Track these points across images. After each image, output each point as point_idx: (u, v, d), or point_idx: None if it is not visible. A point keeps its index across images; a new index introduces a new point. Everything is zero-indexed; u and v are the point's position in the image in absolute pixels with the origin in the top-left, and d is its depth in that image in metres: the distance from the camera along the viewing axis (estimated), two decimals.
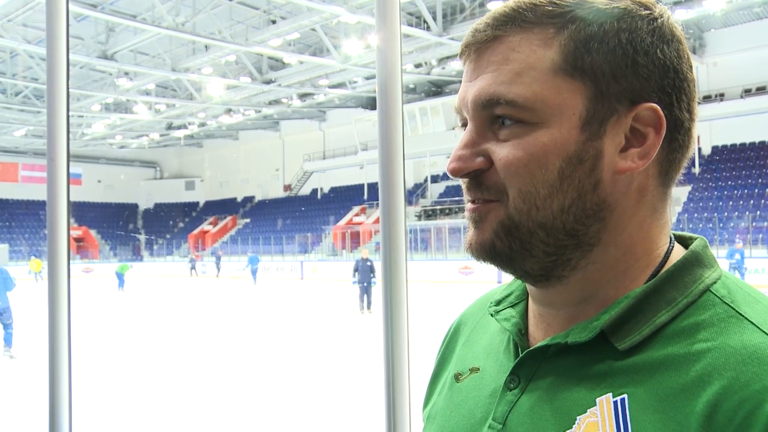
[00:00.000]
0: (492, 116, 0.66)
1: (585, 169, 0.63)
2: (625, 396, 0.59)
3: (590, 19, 0.63)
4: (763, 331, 0.57)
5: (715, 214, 26.98)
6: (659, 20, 0.64)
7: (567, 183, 0.63)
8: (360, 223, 38.91)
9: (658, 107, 0.63)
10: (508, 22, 0.65)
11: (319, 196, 47.02)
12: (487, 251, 0.67)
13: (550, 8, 0.64)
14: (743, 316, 0.59)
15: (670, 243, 0.68)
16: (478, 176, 0.67)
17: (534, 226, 0.65)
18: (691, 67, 0.66)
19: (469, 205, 0.69)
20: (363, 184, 41.87)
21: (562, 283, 0.67)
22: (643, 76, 0.63)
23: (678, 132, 0.65)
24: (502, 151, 0.65)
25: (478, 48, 0.67)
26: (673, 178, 0.67)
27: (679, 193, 29.79)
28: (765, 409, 0.52)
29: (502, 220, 0.66)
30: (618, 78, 0.63)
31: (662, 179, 0.66)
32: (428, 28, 25.29)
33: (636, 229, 0.65)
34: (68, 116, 0.77)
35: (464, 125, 0.70)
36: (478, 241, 0.67)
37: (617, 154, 0.64)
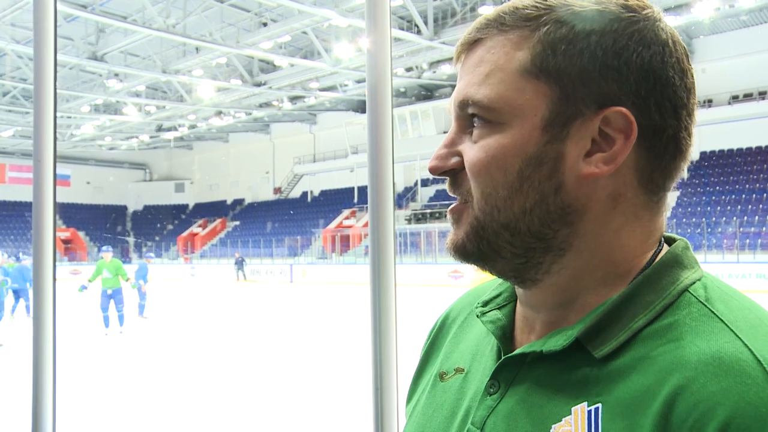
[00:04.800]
0: (468, 116, 0.67)
1: (545, 171, 0.63)
2: (600, 405, 0.58)
3: (562, 21, 0.63)
4: (731, 330, 0.56)
5: (704, 219, 27.14)
6: (642, 23, 0.63)
7: (527, 185, 0.63)
8: (350, 227, 38.85)
9: (628, 111, 0.61)
10: (490, 26, 0.67)
11: (309, 199, 46.93)
12: (460, 251, 0.68)
13: (528, 11, 0.65)
14: (715, 313, 0.58)
15: (659, 246, 0.67)
16: (455, 176, 0.68)
17: (498, 227, 0.65)
18: (682, 72, 0.63)
19: (450, 206, 0.70)
20: (353, 188, 41.82)
21: (537, 286, 0.67)
22: (613, 79, 0.61)
23: (658, 138, 0.63)
24: (470, 152, 0.66)
25: (463, 50, 0.69)
26: (660, 185, 0.65)
27: (668, 198, 29.87)
28: (718, 414, 0.51)
29: (471, 221, 0.67)
30: (585, 81, 0.62)
31: (644, 187, 0.65)
32: (419, 32, 25.33)
33: (613, 237, 0.64)
34: (55, 117, 0.76)
35: None
36: (452, 240, 0.69)
37: (581, 159, 0.63)
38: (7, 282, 14.79)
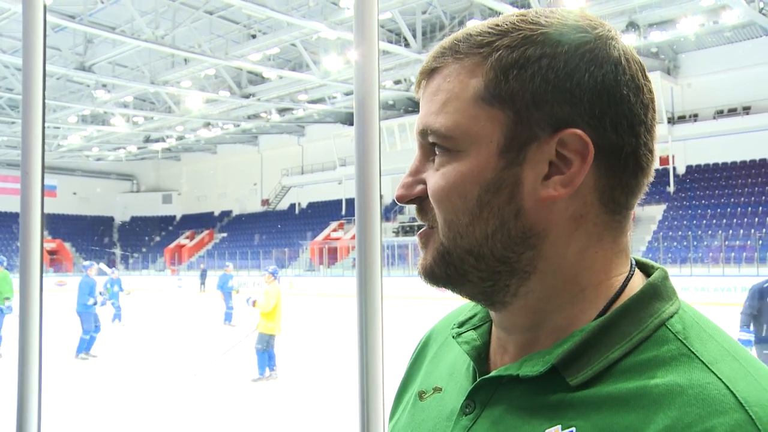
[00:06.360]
0: (429, 145, 0.68)
1: (503, 196, 0.64)
2: (573, 429, 0.59)
3: (513, 46, 0.63)
4: (712, 371, 0.57)
5: (689, 233, 27.34)
6: (593, 43, 0.63)
7: (487, 211, 0.64)
8: (338, 239, 38.81)
9: (582, 132, 0.61)
10: (446, 54, 0.67)
11: (296, 211, 46.84)
12: (429, 276, 0.69)
13: (481, 38, 0.65)
14: (694, 353, 0.59)
15: (630, 269, 0.67)
16: (422, 203, 0.69)
17: (462, 253, 0.66)
18: (637, 89, 0.63)
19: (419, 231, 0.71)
20: (341, 200, 41.83)
21: (507, 309, 0.68)
22: (566, 101, 0.62)
23: (617, 157, 0.63)
24: (431, 180, 0.67)
25: (422, 79, 0.70)
26: (623, 203, 0.65)
27: (655, 211, 30.21)
28: None
29: (437, 247, 0.67)
30: (538, 104, 0.62)
31: (606, 206, 0.64)
32: (408, 45, 25.47)
33: (576, 258, 0.65)
34: (44, 129, 0.76)
35: None
36: (422, 265, 0.70)
37: (540, 182, 0.63)
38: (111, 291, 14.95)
